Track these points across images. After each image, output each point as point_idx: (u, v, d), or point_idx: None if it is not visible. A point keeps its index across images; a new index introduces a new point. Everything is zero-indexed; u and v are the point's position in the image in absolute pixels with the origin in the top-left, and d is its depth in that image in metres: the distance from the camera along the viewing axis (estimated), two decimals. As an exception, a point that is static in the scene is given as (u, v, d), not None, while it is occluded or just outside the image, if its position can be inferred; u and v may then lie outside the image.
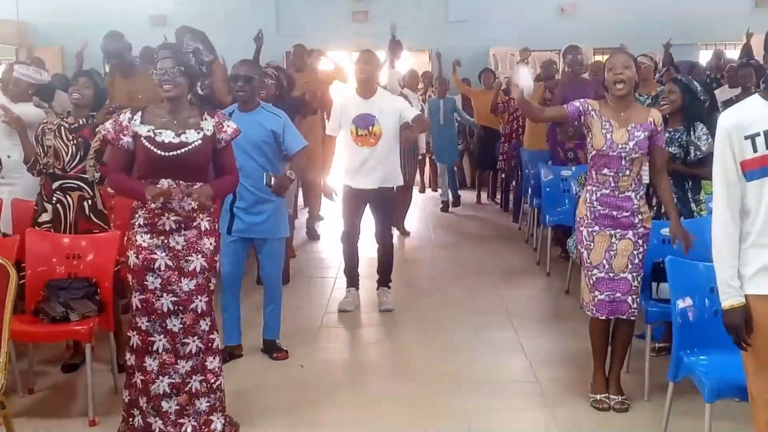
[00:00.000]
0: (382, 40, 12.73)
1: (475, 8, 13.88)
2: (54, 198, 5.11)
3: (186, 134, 4.02)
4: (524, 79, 4.56)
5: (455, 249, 9.09)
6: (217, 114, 4.19)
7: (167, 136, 4.00)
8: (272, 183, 5.03)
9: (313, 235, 9.49)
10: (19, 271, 4.11)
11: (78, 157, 5.08)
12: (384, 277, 6.80)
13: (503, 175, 11.42)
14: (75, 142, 5.07)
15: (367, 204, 6.57)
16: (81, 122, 5.14)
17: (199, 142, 4.02)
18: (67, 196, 5.10)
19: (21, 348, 4.88)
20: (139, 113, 4.10)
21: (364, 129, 6.31)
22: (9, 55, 13.08)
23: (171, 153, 3.98)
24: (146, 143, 4.00)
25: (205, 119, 4.10)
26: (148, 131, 4.02)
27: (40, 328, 4.54)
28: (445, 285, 7.45)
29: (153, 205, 3.98)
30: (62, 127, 5.12)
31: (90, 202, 5.12)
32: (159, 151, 3.98)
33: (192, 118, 4.09)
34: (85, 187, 5.12)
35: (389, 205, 6.64)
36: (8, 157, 5.82)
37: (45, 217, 5.14)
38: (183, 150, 3.98)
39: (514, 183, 10.80)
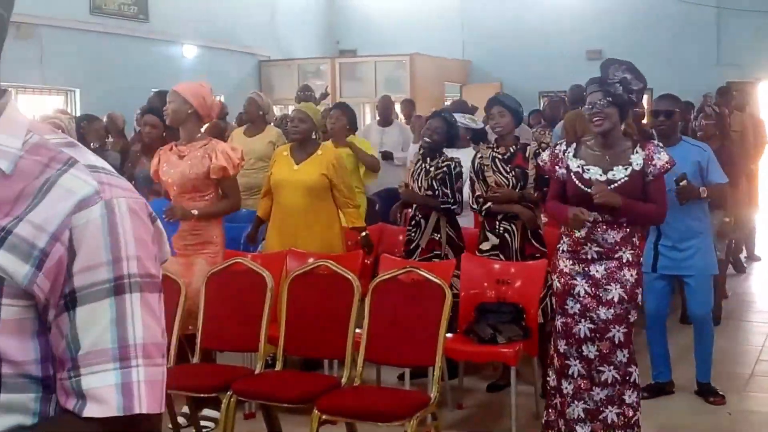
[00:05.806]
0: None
1: None
2: (501, 227, 5.25)
3: (613, 171, 4.02)
4: None
5: None
6: (648, 145, 4.13)
7: (594, 172, 4.04)
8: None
9: (739, 268, 9.05)
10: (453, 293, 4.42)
11: (518, 187, 5.21)
12: None
13: None
14: (514, 173, 5.23)
15: None
16: (511, 150, 5.25)
17: (626, 179, 4.01)
18: (512, 224, 5.24)
19: (452, 365, 5.15)
20: (574, 145, 4.20)
21: None
22: (454, 93, 14.12)
23: None
24: (575, 179, 4.09)
25: (636, 152, 4.06)
26: (578, 167, 4.09)
27: (469, 347, 4.79)
28: None
29: (577, 234, 4.05)
30: (496, 159, 5.30)
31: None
32: (586, 188, 4.03)
33: (624, 151, 4.08)
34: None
35: None
36: None
37: (486, 245, 5.32)
38: (609, 188, 3.99)
39: None
